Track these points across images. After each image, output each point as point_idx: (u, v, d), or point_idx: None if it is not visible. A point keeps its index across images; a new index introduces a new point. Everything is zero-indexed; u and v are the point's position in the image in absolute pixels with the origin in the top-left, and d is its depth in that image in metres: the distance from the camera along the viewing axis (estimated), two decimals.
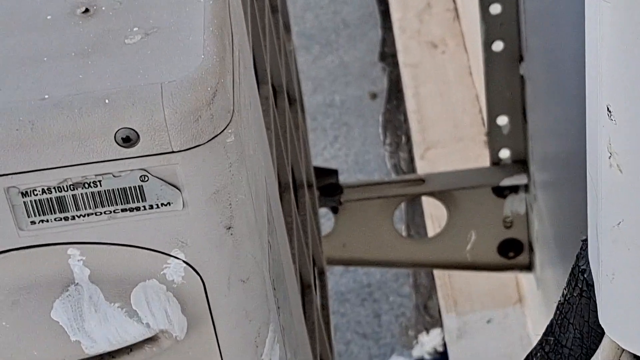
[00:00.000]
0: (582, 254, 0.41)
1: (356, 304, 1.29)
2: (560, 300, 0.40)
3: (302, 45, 1.88)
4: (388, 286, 1.29)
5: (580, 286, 0.40)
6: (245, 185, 0.38)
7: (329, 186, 0.95)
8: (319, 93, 1.81)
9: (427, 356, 1.21)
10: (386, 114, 1.76)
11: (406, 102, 1.59)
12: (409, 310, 1.26)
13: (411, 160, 1.51)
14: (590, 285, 0.39)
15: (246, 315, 0.40)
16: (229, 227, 0.37)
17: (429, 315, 1.24)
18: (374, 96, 1.83)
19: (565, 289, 0.41)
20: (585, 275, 0.40)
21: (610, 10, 0.29)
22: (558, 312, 0.41)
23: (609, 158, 0.33)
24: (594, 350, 0.41)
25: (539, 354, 0.43)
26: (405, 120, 1.63)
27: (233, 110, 0.35)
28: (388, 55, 1.85)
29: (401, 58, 1.66)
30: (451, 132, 1.42)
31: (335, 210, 1.02)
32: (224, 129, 0.35)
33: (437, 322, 1.22)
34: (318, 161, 1.46)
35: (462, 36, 1.61)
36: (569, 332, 0.40)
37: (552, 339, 0.42)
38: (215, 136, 0.35)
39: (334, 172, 0.97)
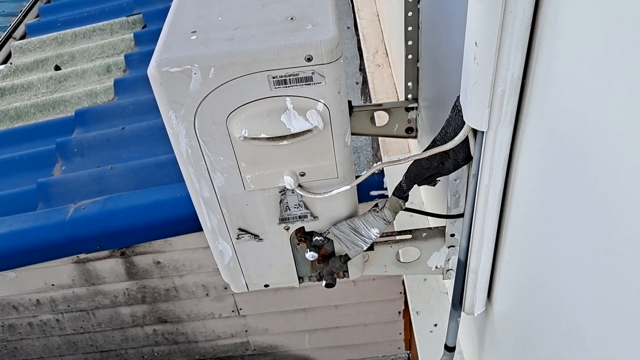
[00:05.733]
0: (457, 100, 1.10)
1: (354, 151, 2.63)
2: (447, 117, 1.10)
3: None
4: (364, 149, 2.75)
5: (456, 108, 1.09)
6: (343, 77, 1.08)
7: (350, 105, 1.74)
8: None
9: (377, 172, 2.44)
10: None
11: None
12: (370, 155, 2.72)
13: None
14: (459, 109, 1.08)
15: (341, 123, 1.10)
16: (339, 92, 1.07)
17: (377, 157, 2.71)
18: None
19: (449, 114, 1.11)
20: (457, 104, 1.08)
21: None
22: (446, 121, 1.11)
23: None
24: (458, 133, 1.10)
25: (437, 141, 1.13)
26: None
27: (342, 52, 1.05)
28: None
29: None
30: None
31: (350, 114, 1.81)
32: (339, 57, 1.04)
33: (379, 159, 2.61)
34: None
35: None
36: (451, 126, 1.10)
37: (442, 132, 1.11)
38: (337, 59, 1.04)
39: (350, 102, 1.77)
